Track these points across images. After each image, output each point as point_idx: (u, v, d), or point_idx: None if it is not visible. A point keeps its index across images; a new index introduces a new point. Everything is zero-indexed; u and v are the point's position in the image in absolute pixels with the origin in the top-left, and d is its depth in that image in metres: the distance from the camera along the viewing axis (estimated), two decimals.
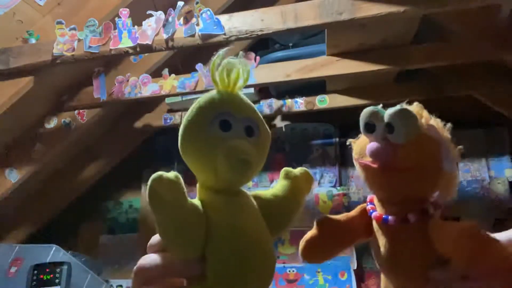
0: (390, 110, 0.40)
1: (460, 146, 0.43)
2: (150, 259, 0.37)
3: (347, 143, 0.47)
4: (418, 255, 0.41)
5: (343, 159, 2.21)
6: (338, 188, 2.17)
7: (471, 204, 2.05)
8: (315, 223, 0.46)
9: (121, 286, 2.33)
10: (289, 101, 1.99)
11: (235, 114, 0.38)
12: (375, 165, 0.41)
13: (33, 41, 1.48)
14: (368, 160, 0.42)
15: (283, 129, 2.43)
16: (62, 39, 1.41)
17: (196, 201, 0.39)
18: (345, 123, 2.18)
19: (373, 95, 1.94)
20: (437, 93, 1.89)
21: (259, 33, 1.28)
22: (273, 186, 0.45)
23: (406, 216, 0.41)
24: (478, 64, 1.79)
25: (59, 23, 1.42)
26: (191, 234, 0.36)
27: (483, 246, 0.36)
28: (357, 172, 0.45)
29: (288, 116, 2.38)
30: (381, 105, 0.44)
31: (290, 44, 2.10)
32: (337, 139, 2.22)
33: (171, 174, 0.35)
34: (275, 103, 2.01)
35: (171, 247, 0.37)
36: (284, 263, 2.18)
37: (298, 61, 1.67)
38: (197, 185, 0.40)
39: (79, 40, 1.41)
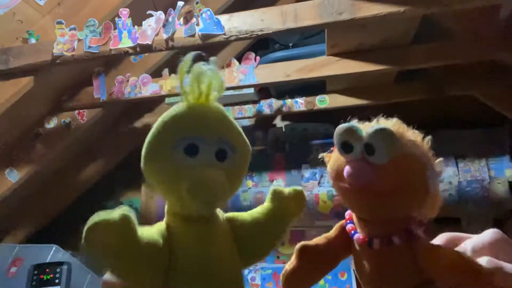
0: (370, 130, 0.37)
1: (441, 159, 0.40)
2: None
3: (319, 157, 0.43)
4: (403, 276, 0.39)
5: None
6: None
7: (471, 204, 2.05)
8: (294, 253, 0.43)
9: None
10: (289, 101, 1.99)
11: (204, 136, 0.34)
12: (354, 188, 0.38)
13: (33, 41, 1.48)
14: (346, 182, 0.39)
15: (283, 129, 2.43)
16: (62, 39, 1.41)
17: (161, 226, 0.35)
18: (345, 123, 2.18)
19: (373, 95, 1.94)
20: (437, 93, 1.89)
21: (259, 33, 1.28)
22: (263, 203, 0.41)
23: (390, 238, 0.39)
24: (478, 64, 1.79)
25: (59, 23, 1.42)
26: (145, 271, 0.33)
27: (472, 276, 0.35)
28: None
29: (288, 116, 2.38)
30: (355, 120, 0.41)
31: (290, 44, 2.10)
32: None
33: (115, 216, 0.31)
34: (275, 103, 2.01)
35: (127, 285, 0.34)
36: (284, 263, 2.17)
37: (298, 61, 1.67)
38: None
39: (79, 40, 1.41)
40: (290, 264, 0.43)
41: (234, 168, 0.35)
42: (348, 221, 0.43)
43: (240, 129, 0.37)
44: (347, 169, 0.38)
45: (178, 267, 0.34)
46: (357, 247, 0.42)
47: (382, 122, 0.41)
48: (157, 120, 0.35)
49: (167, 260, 0.34)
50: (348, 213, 0.43)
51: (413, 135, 0.40)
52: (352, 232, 0.42)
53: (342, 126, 0.39)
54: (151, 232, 0.35)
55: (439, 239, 0.42)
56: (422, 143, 0.40)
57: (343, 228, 0.43)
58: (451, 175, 2.08)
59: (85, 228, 0.30)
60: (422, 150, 0.39)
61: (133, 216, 0.32)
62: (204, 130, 0.34)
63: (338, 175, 0.40)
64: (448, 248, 0.38)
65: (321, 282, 2.19)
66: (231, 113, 2.04)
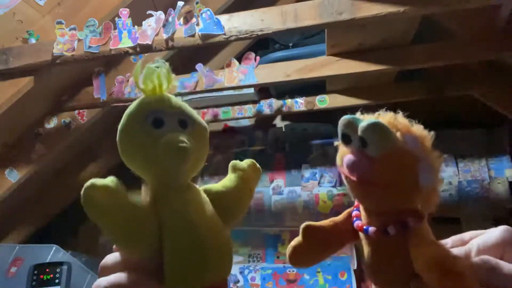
0: (363, 124, 0.38)
1: (444, 155, 0.42)
2: (111, 257, 0.39)
3: (334, 145, 0.45)
4: (398, 266, 0.40)
5: None
6: (338, 188, 2.17)
7: (471, 204, 2.05)
8: (300, 231, 0.45)
9: None
10: (289, 101, 1.99)
11: (166, 110, 0.39)
12: (353, 178, 0.40)
13: (33, 41, 1.48)
14: (347, 170, 0.41)
15: (283, 129, 2.43)
16: (62, 39, 1.41)
17: (144, 201, 0.40)
18: None
19: (373, 95, 1.94)
20: (437, 93, 1.89)
21: (259, 33, 1.28)
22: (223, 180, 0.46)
23: (386, 228, 0.40)
24: (478, 64, 1.79)
25: (59, 23, 1.42)
26: (137, 234, 0.36)
27: (452, 278, 0.35)
28: None
29: (288, 116, 2.38)
30: (358, 113, 0.42)
31: (290, 44, 2.10)
32: (337, 139, 2.22)
33: (107, 180, 0.36)
34: (275, 103, 2.01)
35: (121, 249, 0.38)
36: (284, 263, 2.18)
37: (298, 61, 1.67)
38: (143, 186, 0.41)
39: (79, 40, 1.41)
40: (295, 240, 0.46)
41: (196, 136, 0.40)
42: (355, 208, 0.45)
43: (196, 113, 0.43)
44: (345, 159, 0.41)
45: (168, 232, 0.37)
46: (360, 233, 0.44)
47: (381, 116, 0.42)
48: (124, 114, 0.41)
49: (156, 223, 0.38)
50: (357, 202, 0.45)
51: (415, 129, 0.41)
52: (355, 218, 0.44)
53: (343, 118, 0.41)
54: (139, 201, 0.39)
55: (450, 240, 0.43)
56: (423, 139, 0.40)
57: (350, 214, 0.45)
58: (451, 175, 2.08)
59: (84, 188, 0.35)
60: (419, 146, 0.39)
61: (121, 184, 0.37)
62: (164, 106, 0.39)
63: (342, 164, 0.42)
64: (437, 245, 0.38)
65: (321, 282, 2.19)
66: (231, 113, 2.05)
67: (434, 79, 1.92)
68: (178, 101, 0.41)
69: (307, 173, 2.24)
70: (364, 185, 0.40)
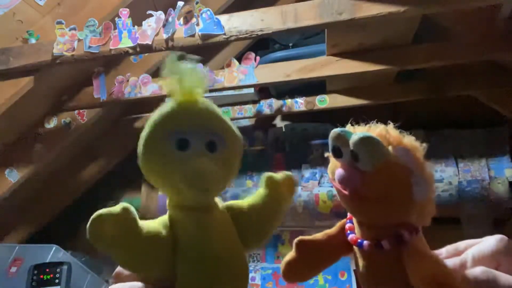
0: (354, 137, 0.37)
1: (435, 169, 0.41)
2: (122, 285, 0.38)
3: (325, 156, 0.44)
4: (393, 279, 0.40)
5: None
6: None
7: (471, 204, 2.05)
8: (294, 246, 0.44)
9: None
10: (289, 101, 1.99)
11: (194, 129, 0.35)
12: (345, 192, 0.39)
13: (33, 41, 1.48)
14: (339, 184, 0.40)
15: (283, 129, 2.43)
16: (62, 39, 1.41)
17: (163, 220, 0.38)
18: (345, 123, 2.17)
19: (373, 95, 1.94)
20: (437, 93, 1.89)
21: (259, 33, 1.28)
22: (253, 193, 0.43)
23: (380, 242, 0.39)
24: (478, 64, 1.79)
25: (59, 23, 1.42)
26: (148, 263, 0.35)
27: None
28: None
29: (288, 116, 2.38)
30: (349, 125, 0.42)
31: (290, 44, 2.10)
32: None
33: (116, 208, 0.34)
34: (275, 103, 2.01)
35: (137, 274, 0.37)
36: None
37: (298, 61, 1.67)
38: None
39: (79, 40, 1.41)
40: (288, 256, 0.45)
41: (225, 159, 0.37)
42: (348, 220, 0.44)
43: (230, 123, 0.39)
44: (336, 173, 0.40)
45: (182, 256, 0.36)
46: (354, 246, 0.43)
47: (372, 128, 0.41)
48: (148, 120, 0.37)
49: (170, 249, 0.36)
50: (350, 214, 0.44)
51: (407, 140, 0.40)
52: (349, 231, 0.43)
53: (334, 131, 0.40)
54: (154, 224, 0.37)
55: (445, 250, 0.42)
56: (415, 150, 0.39)
57: (343, 226, 0.44)
58: (451, 175, 2.08)
59: (89, 221, 0.33)
60: (412, 159, 0.39)
61: (133, 209, 0.35)
62: (193, 124, 0.35)
63: (333, 176, 0.41)
64: (434, 260, 0.38)
65: (321, 282, 2.19)
66: (231, 113, 2.04)
67: (434, 79, 1.92)
68: (212, 115, 0.37)
69: (307, 173, 2.24)
70: (356, 199, 0.39)
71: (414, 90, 1.93)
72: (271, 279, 2.22)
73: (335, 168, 0.41)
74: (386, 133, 0.40)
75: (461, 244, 0.41)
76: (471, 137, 2.14)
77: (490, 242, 0.38)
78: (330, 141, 0.40)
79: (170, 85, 0.36)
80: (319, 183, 2.20)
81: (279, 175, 0.42)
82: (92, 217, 0.33)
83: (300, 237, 0.44)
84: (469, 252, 0.39)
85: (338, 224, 0.45)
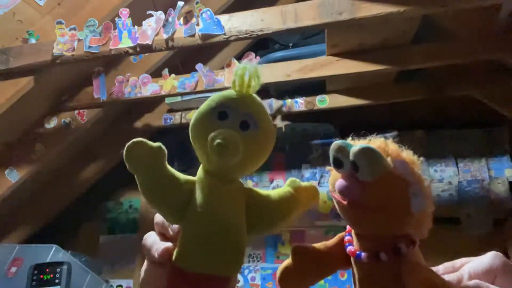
0: (354, 149, 0.39)
1: (442, 189, 0.42)
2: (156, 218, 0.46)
3: (326, 170, 0.47)
4: None
5: None
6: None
7: (471, 204, 2.05)
8: (291, 252, 0.45)
9: (121, 286, 2.33)
10: (289, 101, 1.99)
11: (236, 107, 0.42)
12: (344, 202, 0.41)
13: (33, 41, 1.48)
14: (339, 195, 0.42)
15: (283, 129, 2.43)
16: (62, 39, 1.41)
17: (189, 177, 0.43)
18: (345, 123, 2.18)
19: (373, 95, 1.94)
20: (437, 93, 1.89)
21: (259, 33, 1.28)
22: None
23: (378, 254, 0.40)
24: (478, 64, 1.79)
25: (59, 23, 1.42)
26: (165, 200, 0.41)
27: None
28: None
29: (288, 116, 2.38)
30: (349, 138, 0.44)
31: (290, 44, 2.10)
32: (337, 139, 2.22)
33: (155, 143, 0.41)
34: (275, 103, 2.01)
35: (149, 203, 0.42)
36: None
37: (298, 61, 1.67)
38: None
39: (79, 40, 1.41)
40: (285, 262, 0.46)
41: (253, 140, 0.41)
42: (347, 233, 0.45)
43: (269, 116, 0.44)
44: (337, 184, 0.42)
45: (190, 212, 0.41)
46: (351, 259, 0.44)
47: (372, 141, 0.43)
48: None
49: (184, 201, 0.41)
50: (348, 227, 0.45)
51: (405, 154, 0.42)
52: (347, 244, 0.44)
53: (335, 143, 0.42)
54: (179, 175, 0.43)
55: (442, 267, 0.44)
56: (413, 164, 0.41)
57: (342, 239, 0.45)
58: (451, 175, 2.08)
59: (130, 142, 0.40)
60: (410, 171, 0.40)
61: (166, 151, 0.41)
62: (237, 103, 0.42)
63: (333, 188, 0.43)
64: (430, 271, 0.39)
65: (321, 282, 2.19)
66: None
67: (434, 79, 1.92)
68: (256, 103, 0.43)
69: (307, 173, 2.24)
70: (355, 209, 0.40)
71: (414, 90, 1.93)
72: (271, 279, 2.22)
73: (336, 180, 0.42)
74: (386, 146, 0.41)
75: (457, 261, 0.43)
76: (471, 137, 2.14)
77: (485, 259, 0.40)
78: (331, 152, 0.42)
79: (232, 77, 0.42)
80: (319, 183, 2.20)
81: (305, 183, 0.46)
82: (133, 139, 0.40)
83: (297, 244, 0.45)
84: (465, 268, 0.41)
85: (337, 236, 0.46)
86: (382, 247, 0.40)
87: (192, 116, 0.44)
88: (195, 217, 0.41)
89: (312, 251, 0.45)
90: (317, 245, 0.46)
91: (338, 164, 0.41)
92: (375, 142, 0.42)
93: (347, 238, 0.44)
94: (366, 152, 0.38)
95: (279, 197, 0.44)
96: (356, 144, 0.40)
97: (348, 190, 0.40)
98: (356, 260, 0.42)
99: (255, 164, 0.43)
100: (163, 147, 0.41)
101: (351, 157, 0.39)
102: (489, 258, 0.40)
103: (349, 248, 0.43)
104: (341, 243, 0.45)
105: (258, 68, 0.43)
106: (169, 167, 0.42)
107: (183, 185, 0.42)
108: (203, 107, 0.43)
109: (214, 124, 0.41)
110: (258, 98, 0.44)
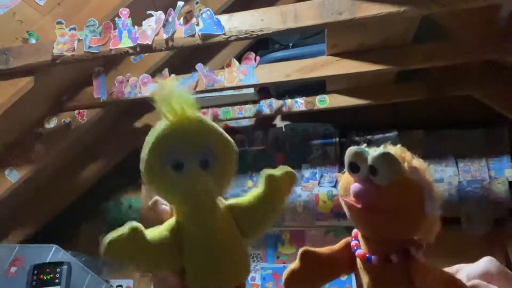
0: (374, 153, 0.41)
1: (441, 189, 0.44)
2: None
3: (335, 177, 0.48)
4: None
5: (343, 159, 2.21)
6: (338, 188, 2.17)
7: (471, 204, 2.05)
8: (298, 255, 0.47)
9: (121, 286, 2.33)
10: (289, 101, 1.99)
11: (187, 150, 0.39)
12: (358, 205, 0.42)
13: (33, 41, 1.48)
14: (352, 199, 0.43)
15: (283, 129, 2.43)
16: (62, 39, 1.41)
17: (170, 223, 0.43)
18: (345, 123, 2.18)
19: (373, 95, 1.94)
20: (437, 93, 1.89)
21: (259, 33, 1.28)
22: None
23: (388, 257, 0.42)
24: (478, 64, 1.79)
25: (59, 23, 1.42)
26: (160, 264, 0.42)
27: None
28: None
29: (288, 116, 2.38)
30: (365, 144, 0.45)
31: (290, 44, 2.10)
32: (337, 139, 2.22)
33: (124, 228, 0.40)
34: (275, 103, 2.01)
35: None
36: (284, 263, 2.18)
37: (298, 61, 1.67)
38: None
39: (79, 40, 1.41)
40: (293, 264, 0.47)
41: (219, 172, 0.41)
42: (353, 238, 0.47)
43: (221, 132, 0.42)
44: (352, 187, 0.43)
45: (189, 252, 0.42)
46: (358, 262, 0.45)
47: (388, 147, 0.44)
48: (146, 139, 0.41)
49: (176, 249, 0.41)
50: (354, 231, 0.47)
51: (416, 162, 0.44)
52: (355, 248, 0.46)
53: (352, 148, 0.44)
54: (160, 230, 0.42)
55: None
56: (424, 171, 0.43)
57: (348, 244, 0.47)
58: (451, 175, 2.08)
59: (103, 246, 0.39)
60: (423, 177, 0.42)
61: (139, 225, 0.41)
62: (185, 145, 0.39)
63: (345, 192, 0.44)
64: (441, 270, 0.41)
65: None
66: (231, 113, 2.05)
67: (434, 79, 1.92)
68: (202, 132, 0.40)
69: (307, 173, 2.24)
70: (369, 212, 0.42)
71: (414, 90, 1.93)
72: (271, 279, 2.22)
73: (349, 184, 0.44)
74: (402, 152, 0.44)
75: (454, 267, 0.45)
76: (471, 137, 2.14)
77: (480, 264, 0.42)
78: (347, 157, 0.44)
79: (161, 108, 0.39)
80: (319, 183, 2.20)
81: (279, 172, 0.45)
82: (104, 242, 0.38)
83: (306, 248, 0.47)
84: (462, 274, 0.43)
85: (343, 241, 0.48)
86: (391, 250, 0.42)
87: None
88: (199, 256, 0.41)
89: (319, 256, 0.47)
90: (323, 249, 0.48)
91: (354, 169, 0.43)
92: (391, 148, 0.44)
93: (354, 242, 0.46)
94: (386, 157, 0.40)
95: (261, 201, 0.44)
96: (371, 150, 0.42)
97: (364, 193, 0.42)
98: (365, 263, 0.44)
99: (225, 188, 0.43)
100: (136, 226, 0.40)
101: (370, 161, 0.41)
102: (485, 263, 0.42)
103: (359, 252, 0.45)
104: (347, 248, 0.47)
105: (183, 88, 0.41)
106: (149, 232, 0.41)
107: (171, 241, 0.42)
108: (149, 160, 0.40)
109: (173, 178, 0.39)
110: (200, 117, 0.41)
